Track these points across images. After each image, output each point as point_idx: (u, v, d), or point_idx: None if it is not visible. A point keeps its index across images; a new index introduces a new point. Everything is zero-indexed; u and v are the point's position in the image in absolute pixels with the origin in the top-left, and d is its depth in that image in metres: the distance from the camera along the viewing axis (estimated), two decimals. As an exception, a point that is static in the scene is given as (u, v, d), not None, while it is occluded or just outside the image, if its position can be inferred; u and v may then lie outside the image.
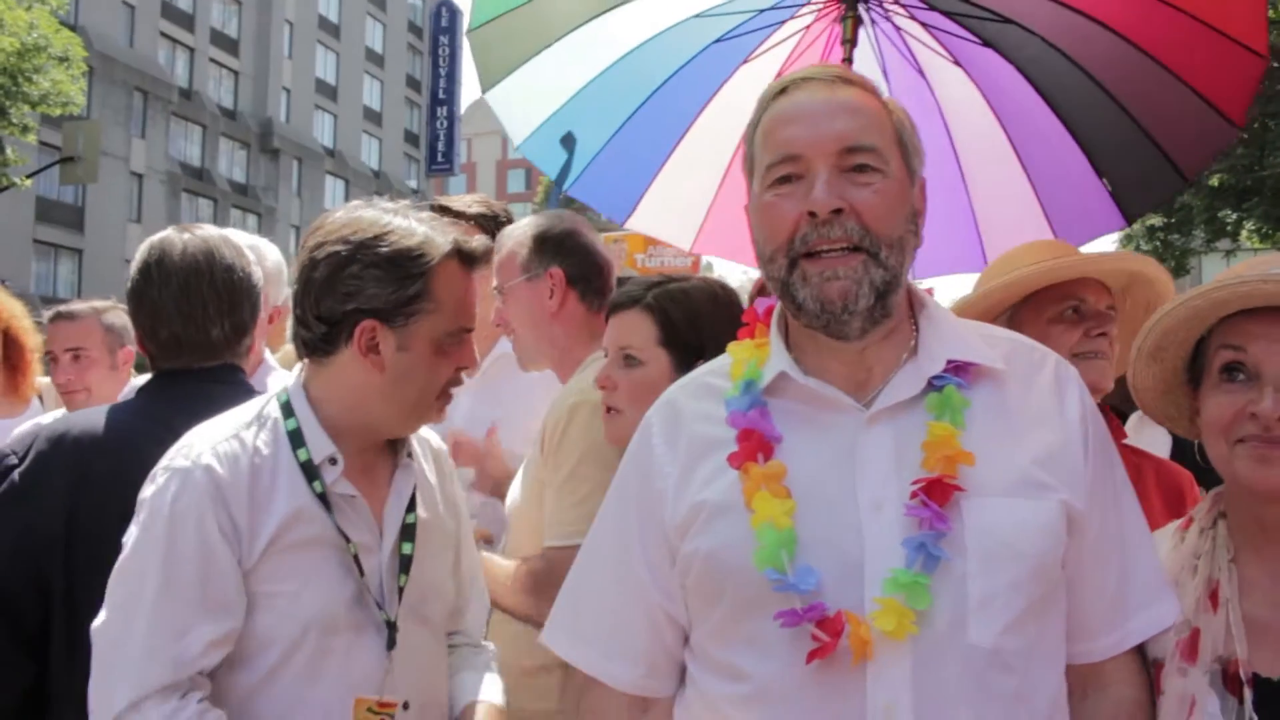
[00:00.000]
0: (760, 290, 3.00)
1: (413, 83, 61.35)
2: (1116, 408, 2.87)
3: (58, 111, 22.01)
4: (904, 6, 3.50)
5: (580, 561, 1.66)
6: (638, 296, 2.28)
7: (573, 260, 2.61)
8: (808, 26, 3.62)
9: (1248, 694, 1.46)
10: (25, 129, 21.78)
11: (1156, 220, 19.11)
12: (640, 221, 3.89)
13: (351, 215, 1.82)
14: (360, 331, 1.76)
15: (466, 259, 1.84)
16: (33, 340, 3.91)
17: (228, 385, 2.12)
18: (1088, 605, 1.50)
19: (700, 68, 3.65)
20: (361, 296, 1.75)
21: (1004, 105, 3.59)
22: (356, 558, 1.77)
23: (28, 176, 22.64)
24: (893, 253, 1.45)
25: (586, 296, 2.61)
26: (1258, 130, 14.54)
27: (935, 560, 1.37)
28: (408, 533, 1.86)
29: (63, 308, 3.84)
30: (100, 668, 1.66)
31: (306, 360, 1.85)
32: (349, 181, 54.35)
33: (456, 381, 1.88)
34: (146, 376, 2.25)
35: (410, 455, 1.92)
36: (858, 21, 3.43)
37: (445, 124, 49.35)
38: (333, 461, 1.78)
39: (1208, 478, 1.68)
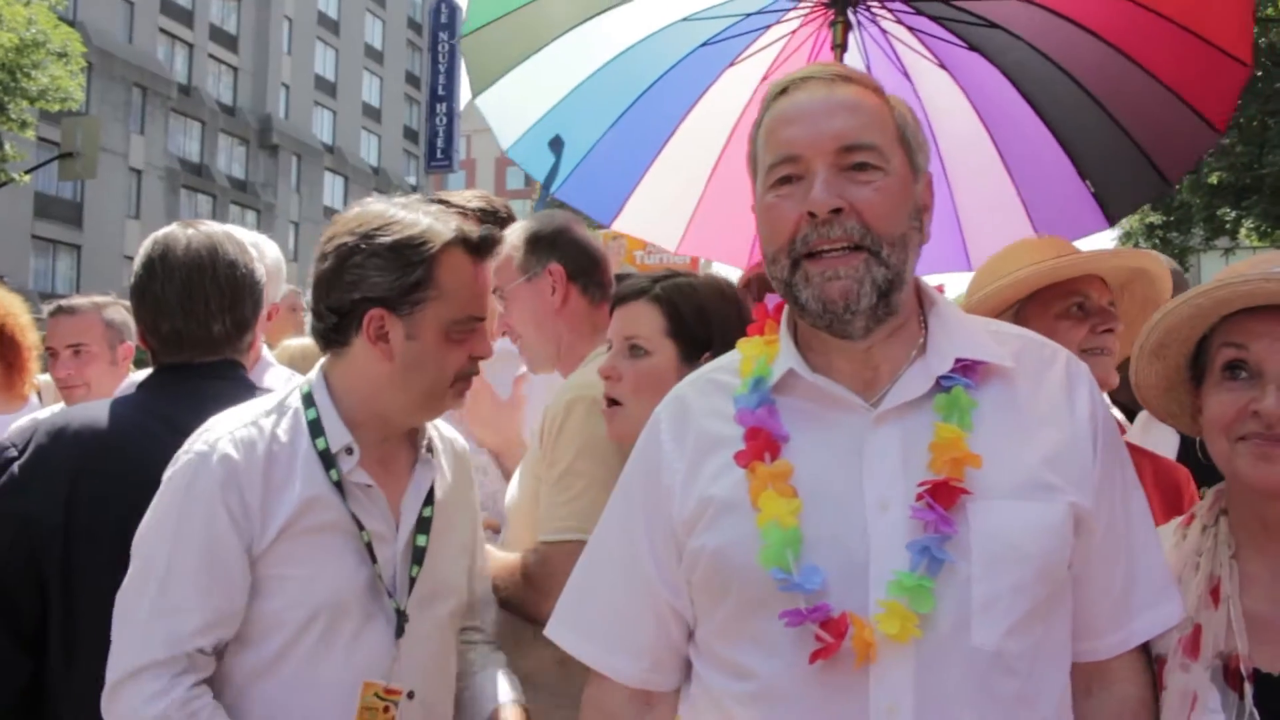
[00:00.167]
0: (744, 288, 2.99)
1: (412, 79, 61.27)
2: (1126, 406, 2.88)
3: (56, 107, 21.96)
4: (891, 11, 3.51)
5: (586, 556, 1.67)
6: (645, 288, 2.28)
7: (569, 255, 2.61)
8: (794, 31, 3.63)
9: (1248, 689, 1.47)
10: (24, 124, 21.78)
11: (1155, 218, 19.15)
12: (626, 223, 3.92)
13: (361, 209, 1.87)
14: (369, 320, 1.80)
15: (472, 247, 1.86)
16: (30, 337, 3.87)
17: (228, 381, 2.13)
18: (1094, 604, 1.50)
19: (686, 71, 3.66)
20: (366, 285, 1.79)
21: (989, 108, 3.62)
22: (370, 546, 1.80)
23: (26, 172, 22.59)
24: (895, 250, 1.45)
25: (588, 290, 2.61)
26: (1257, 129, 14.58)
27: (939, 563, 1.37)
28: (423, 525, 1.89)
29: (63, 302, 3.83)
30: (114, 633, 1.73)
31: (328, 353, 1.90)
32: (348, 178, 54.32)
33: (471, 370, 1.90)
34: (145, 372, 2.25)
35: (431, 451, 1.95)
36: (848, 27, 3.43)
37: (444, 120, 49.23)
38: (349, 451, 1.82)
39: (1210, 475, 1.69)
